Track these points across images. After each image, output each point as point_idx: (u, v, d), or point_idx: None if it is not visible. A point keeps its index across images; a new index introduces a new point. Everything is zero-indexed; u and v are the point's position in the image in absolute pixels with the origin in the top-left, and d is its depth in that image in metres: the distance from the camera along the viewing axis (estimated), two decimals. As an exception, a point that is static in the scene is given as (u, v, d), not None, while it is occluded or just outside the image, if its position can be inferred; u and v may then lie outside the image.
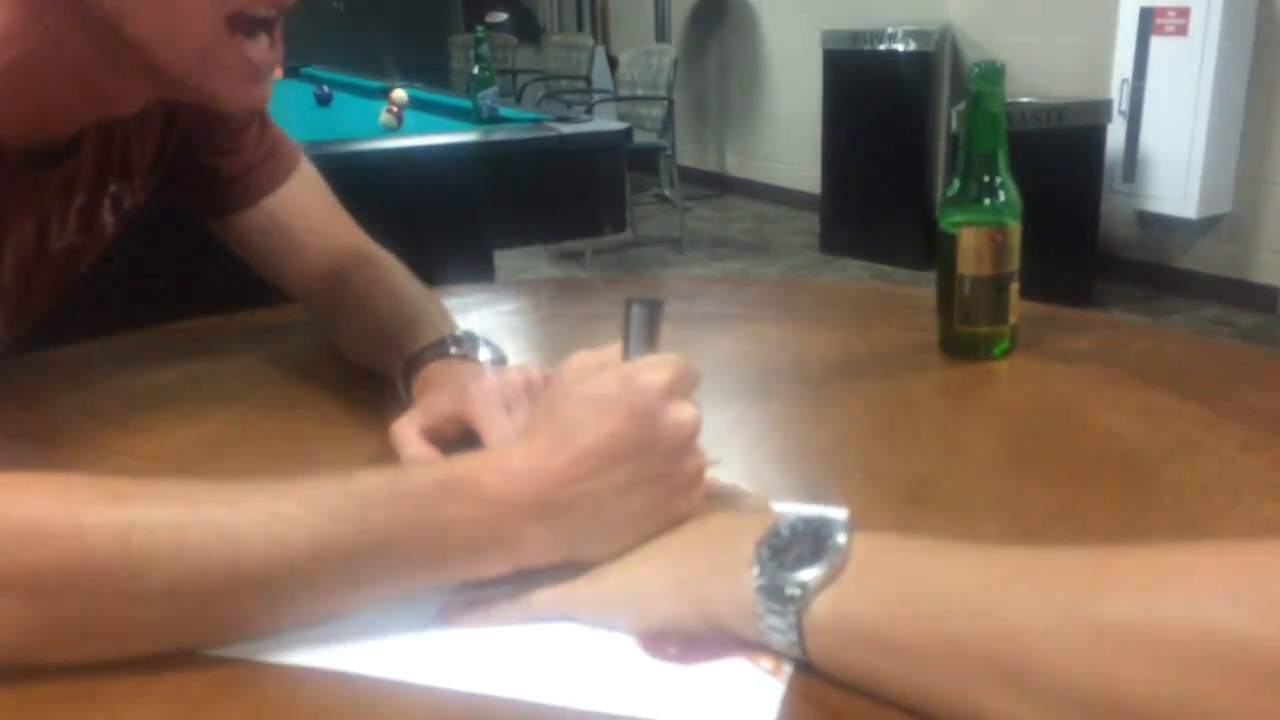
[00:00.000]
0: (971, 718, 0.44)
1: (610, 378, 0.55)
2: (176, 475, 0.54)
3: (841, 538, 0.49)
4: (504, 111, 2.61)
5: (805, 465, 0.78)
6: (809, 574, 0.48)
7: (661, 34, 6.49)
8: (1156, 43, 3.87)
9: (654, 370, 0.55)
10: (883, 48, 4.64)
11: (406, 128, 2.37)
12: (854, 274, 4.75)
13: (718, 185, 6.58)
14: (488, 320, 1.11)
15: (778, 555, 0.49)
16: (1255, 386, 0.86)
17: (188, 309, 1.10)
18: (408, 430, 0.73)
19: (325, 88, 3.00)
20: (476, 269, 1.93)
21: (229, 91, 0.74)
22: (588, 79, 6.00)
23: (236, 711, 0.49)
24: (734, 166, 6.53)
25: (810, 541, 0.49)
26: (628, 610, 0.53)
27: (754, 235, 5.55)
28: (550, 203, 2.07)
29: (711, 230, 5.67)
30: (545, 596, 0.54)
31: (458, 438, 0.72)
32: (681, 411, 0.55)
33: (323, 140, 1.84)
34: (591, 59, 6.09)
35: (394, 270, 0.97)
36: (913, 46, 4.58)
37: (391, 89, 2.62)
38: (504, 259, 2.45)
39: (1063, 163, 3.78)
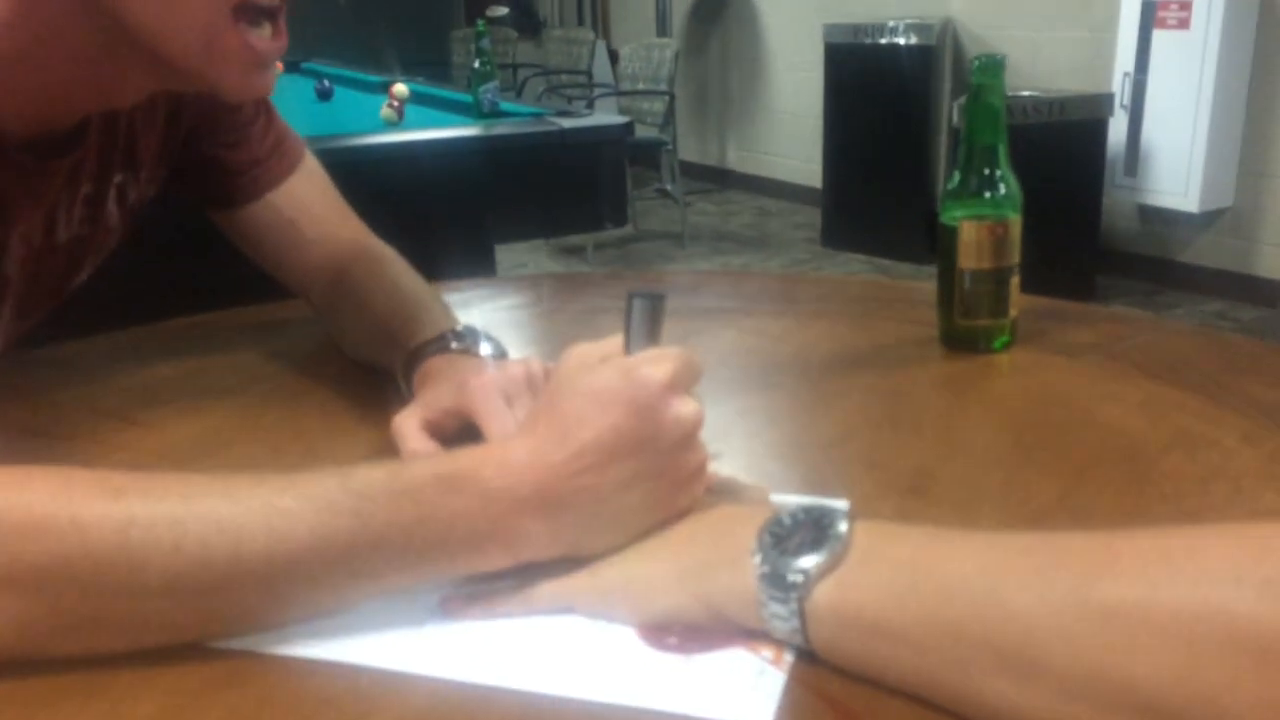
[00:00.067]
0: (974, 703, 0.44)
1: (612, 371, 0.55)
2: (177, 470, 0.54)
3: (843, 526, 0.49)
4: (505, 106, 2.60)
5: (806, 458, 0.78)
6: (811, 561, 0.48)
7: (662, 28, 6.49)
8: (1158, 36, 3.86)
9: (656, 364, 0.55)
10: (884, 41, 4.63)
11: (407, 122, 2.37)
12: (855, 268, 4.74)
13: (719, 179, 6.58)
14: (488, 315, 1.11)
15: (780, 543, 0.49)
16: (1256, 378, 0.86)
17: (188, 304, 1.10)
18: (408, 424, 0.73)
19: (326, 82, 3.00)
20: (477, 263, 1.93)
21: (232, 80, 0.73)
22: (589, 73, 5.99)
23: (238, 703, 0.49)
24: (735, 161, 6.53)
25: (812, 530, 0.50)
26: (629, 602, 0.53)
27: (755, 229, 5.55)
28: (551, 197, 2.07)
29: (713, 225, 5.67)
30: (546, 588, 0.54)
31: (458, 432, 0.72)
32: (683, 406, 0.55)
33: (323, 135, 1.84)
34: (592, 53, 6.09)
35: (395, 265, 0.97)
36: (914, 40, 4.57)
37: (392, 83, 2.62)
38: (505, 253, 2.45)
39: (1064, 157, 3.78)
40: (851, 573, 0.48)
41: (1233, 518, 0.65)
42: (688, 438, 0.55)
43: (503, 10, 7.14)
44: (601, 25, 7.31)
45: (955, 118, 4.18)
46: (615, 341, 0.57)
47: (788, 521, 0.51)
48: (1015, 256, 0.92)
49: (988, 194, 0.90)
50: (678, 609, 0.52)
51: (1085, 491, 0.69)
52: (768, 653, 0.50)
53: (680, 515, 0.56)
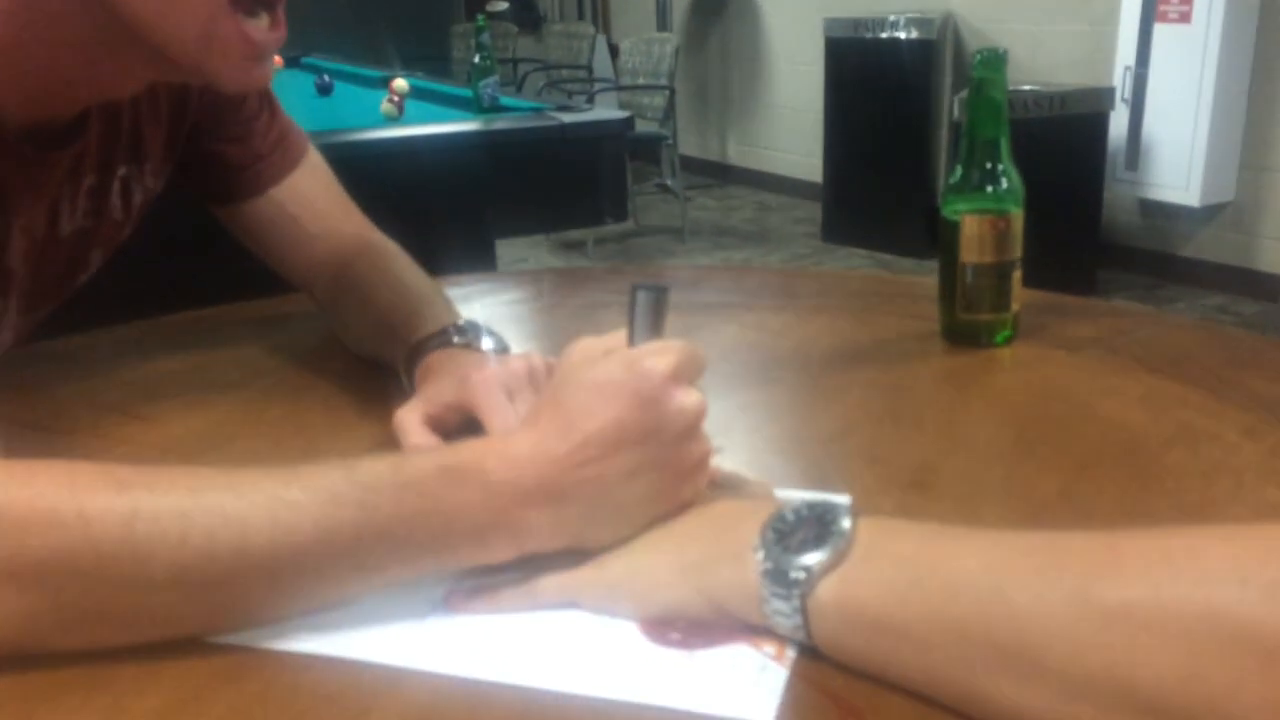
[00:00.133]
0: (977, 701, 0.44)
1: (615, 363, 0.55)
2: (180, 464, 0.54)
3: (846, 522, 0.49)
4: (505, 101, 2.60)
5: (807, 453, 0.78)
6: (814, 558, 0.48)
7: (663, 22, 6.48)
8: (1160, 30, 3.85)
9: (659, 356, 0.55)
10: (884, 35, 4.63)
11: (407, 117, 2.37)
12: (856, 262, 4.74)
13: (719, 174, 6.57)
14: (490, 309, 1.11)
15: (782, 539, 0.49)
16: (1258, 373, 0.86)
17: (191, 299, 1.10)
18: (410, 418, 0.73)
19: (326, 77, 3.00)
20: (478, 258, 1.93)
21: (229, 71, 0.73)
22: (589, 68, 5.99)
23: (241, 698, 0.49)
24: (736, 155, 6.53)
25: (815, 526, 0.50)
26: (632, 596, 0.54)
27: (756, 224, 5.55)
28: (551, 192, 2.07)
29: (713, 219, 5.67)
30: (549, 583, 0.54)
31: (460, 427, 0.72)
32: (686, 397, 0.55)
33: (324, 130, 1.84)
34: (592, 48, 6.08)
35: (397, 260, 0.97)
36: (914, 34, 4.57)
37: (392, 78, 2.62)
38: (505, 249, 2.45)
39: (1065, 151, 3.77)
40: (854, 569, 0.48)
41: (1234, 513, 0.65)
42: (691, 429, 0.55)
43: (503, 4, 7.13)
44: (602, 20, 7.31)
45: (956, 112, 4.18)
46: (618, 336, 0.57)
47: (790, 517, 0.51)
48: (1017, 251, 0.92)
49: (989, 188, 0.90)
50: (680, 603, 0.52)
51: (1087, 486, 0.69)
52: (770, 648, 0.50)
53: (683, 507, 0.56)
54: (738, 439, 0.77)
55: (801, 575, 0.48)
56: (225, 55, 0.72)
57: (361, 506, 0.52)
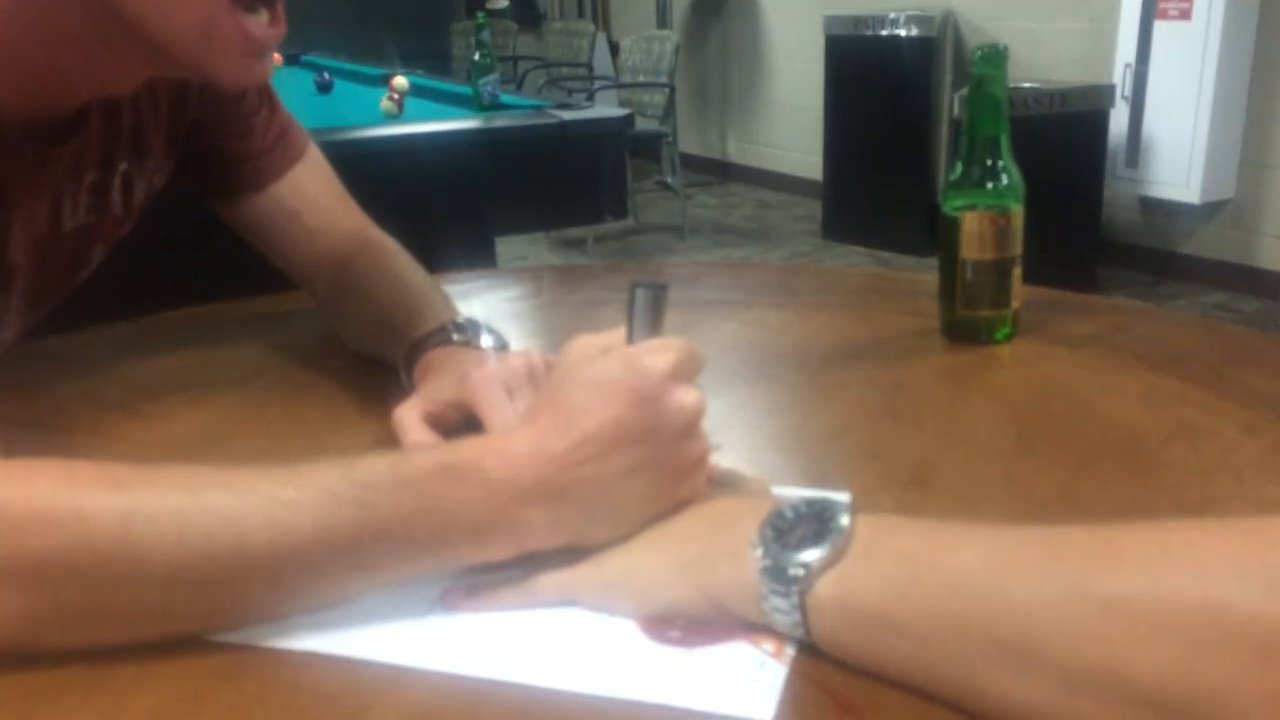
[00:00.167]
0: (976, 696, 0.44)
1: (613, 361, 0.55)
2: (180, 461, 0.54)
3: (845, 519, 0.49)
4: (505, 98, 2.60)
5: (806, 450, 0.78)
6: (812, 555, 0.48)
7: (663, 20, 6.48)
8: (1160, 27, 3.85)
9: (658, 354, 0.55)
10: (884, 33, 4.63)
11: (407, 115, 2.36)
12: (856, 260, 4.74)
13: (719, 172, 6.57)
14: (489, 306, 1.11)
15: (781, 536, 0.49)
16: (1258, 370, 0.86)
17: (191, 296, 1.10)
18: (410, 416, 0.73)
19: (326, 75, 3.00)
20: (478, 256, 1.93)
21: (228, 67, 0.73)
22: (589, 65, 5.99)
23: (239, 697, 0.49)
24: (736, 153, 6.52)
25: (813, 523, 0.50)
26: (631, 594, 0.54)
27: (756, 222, 5.55)
28: (551, 190, 2.07)
29: (713, 217, 5.66)
30: (548, 581, 0.54)
31: (459, 424, 0.72)
32: (685, 395, 0.55)
33: (324, 128, 1.84)
34: (593, 45, 6.08)
35: (398, 257, 0.97)
36: (914, 31, 4.56)
37: (392, 76, 2.61)
38: (505, 246, 2.45)
39: (1065, 148, 3.77)
40: (853, 566, 0.48)
41: (1234, 509, 0.65)
42: (690, 427, 0.55)
43: (503, 2, 7.13)
44: (602, 17, 7.30)
45: (956, 109, 4.18)
46: (617, 334, 0.57)
47: (789, 515, 0.51)
48: (1017, 247, 0.91)
49: (990, 185, 0.90)
50: (679, 601, 0.52)
51: (1087, 483, 0.69)
52: (769, 646, 0.50)
53: (682, 505, 0.56)
54: (737, 436, 0.77)
55: (800, 572, 0.48)
56: (224, 51, 0.72)
57: (360, 505, 0.52)
